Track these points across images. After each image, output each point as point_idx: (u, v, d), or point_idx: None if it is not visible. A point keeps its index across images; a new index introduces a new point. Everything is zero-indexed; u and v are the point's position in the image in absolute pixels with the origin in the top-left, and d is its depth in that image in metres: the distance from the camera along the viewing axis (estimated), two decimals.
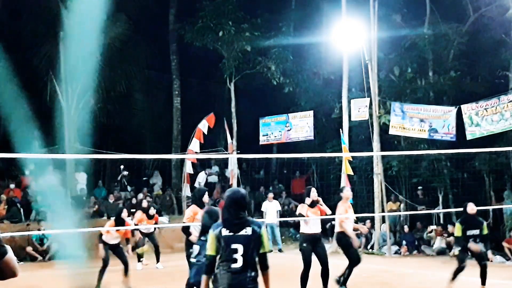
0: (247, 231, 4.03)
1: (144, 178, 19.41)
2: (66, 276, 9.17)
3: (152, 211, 12.31)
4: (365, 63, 15.19)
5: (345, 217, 8.70)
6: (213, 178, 19.68)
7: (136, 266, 12.04)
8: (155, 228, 12.66)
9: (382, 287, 9.87)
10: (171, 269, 11.75)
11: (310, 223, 8.29)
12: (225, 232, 4.02)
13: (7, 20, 17.15)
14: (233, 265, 3.96)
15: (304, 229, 8.35)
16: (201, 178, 18.41)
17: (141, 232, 12.17)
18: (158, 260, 12.32)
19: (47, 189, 16.48)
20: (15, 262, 2.70)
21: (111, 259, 9.60)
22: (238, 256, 3.97)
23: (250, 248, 4.00)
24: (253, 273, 4.00)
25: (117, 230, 9.50)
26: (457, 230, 8.45)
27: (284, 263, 12.39)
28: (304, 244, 8.33)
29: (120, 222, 9.45)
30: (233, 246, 3.97)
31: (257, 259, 4.08)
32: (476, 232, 8.33)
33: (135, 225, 11.98)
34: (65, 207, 16.00)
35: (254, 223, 4.11)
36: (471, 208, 8.42)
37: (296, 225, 17.53)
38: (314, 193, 8.38)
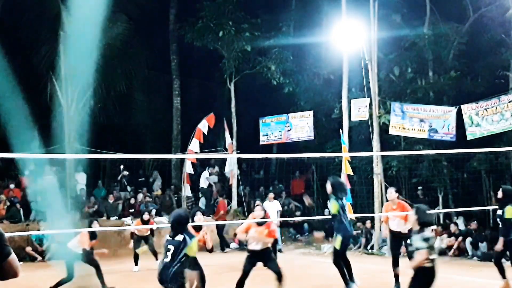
0: (180, 238, 5.59)
1: (140, 179, 19.37)
2: (63, 276, 9.16)
3: (146, 216, 12.32)
4: (365, 63, 15.18)
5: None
6: (213, 178, 19.65)
7: (133, 268, 11.99)
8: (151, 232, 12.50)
9: (382, 287, 9.86)
10: None
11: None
12: (167, 237, 5.75)
13: (7, 20, 17.15)
14: (165, 259, 5.56)
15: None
16: (206, 175, 18.44)
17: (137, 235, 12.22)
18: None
19: (46, 189, 16.50)
20: (17, 262, 2.71)
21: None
22: (169, 254, 5.54)
23: (178, 249, 5.52)
24: (176, 267, 5.45)
25: None
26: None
27: (284, 262, 12.37)
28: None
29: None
30: (169, 246, 5.59)
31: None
32: (499, 212, 8.89)
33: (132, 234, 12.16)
34: (64, 207, 16.02)
35: (188, 234, 5.67)
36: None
37: (296, 226, 17.62)
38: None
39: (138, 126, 20.36)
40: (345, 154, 14.39)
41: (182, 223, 5.77)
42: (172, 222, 5.78)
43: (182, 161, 18.28)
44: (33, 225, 14.26)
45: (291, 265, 11.04)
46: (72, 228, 14.23)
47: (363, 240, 15.29)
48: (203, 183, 17.92)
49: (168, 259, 5.53)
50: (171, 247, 5.55)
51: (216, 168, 19.80)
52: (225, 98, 19.78)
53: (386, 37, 16.25)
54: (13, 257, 2.67)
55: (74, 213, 16.11)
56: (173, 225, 5.76)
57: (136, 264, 12.07)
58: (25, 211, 15.28)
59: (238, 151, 17.54)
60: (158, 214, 16.69)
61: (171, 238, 5.65)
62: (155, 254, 12.19)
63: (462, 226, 14.36)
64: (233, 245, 16.32)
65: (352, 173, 14.83)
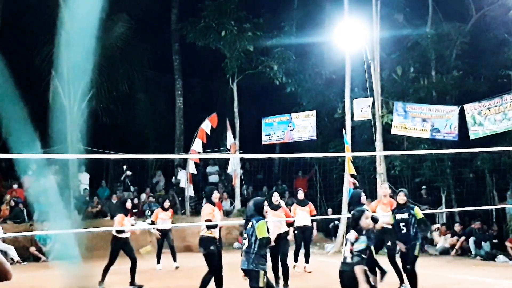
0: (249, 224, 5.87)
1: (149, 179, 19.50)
2: (63, 276, 9.18)
3: (167, 203, 12.07)
4: (367, 62, 15.17)
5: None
6: (214, 178, 19.65)
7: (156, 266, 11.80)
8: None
9: (384, 286, 9.86)
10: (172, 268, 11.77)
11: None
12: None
13: (9, 20, 17.17)
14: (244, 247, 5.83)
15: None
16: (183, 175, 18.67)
17: (158, 230, 11.89)
18: (174, 259, 11.93)
19: (49, 190, 16.51)
20: (7, 265, 2.65)
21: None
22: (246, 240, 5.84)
23: (251, 235, 5.79)
24: (254, 253, 5.68)
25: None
26: None
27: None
28: None
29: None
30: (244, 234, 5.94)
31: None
32: None
33: (153, 222, 11.71)
34: (67, 207, 16.04)
35: (255, 218, 5.85)
36: None
37: None
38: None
39: (140, 126, 20.37)
40: (348, 154, 14.37)
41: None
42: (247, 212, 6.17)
43: (185, 161, 18.29)
44: (37, 225, 14.28)
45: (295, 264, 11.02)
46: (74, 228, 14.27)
47: None
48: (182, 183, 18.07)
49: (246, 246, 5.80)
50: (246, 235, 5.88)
51: (216, 168, 19.76)
52: (227, 98, 19.80)
53: (388, 37, 16.25)
54: (1, 259, 2.63)
55: (77, 213, 16.16)
56: (246, 215, 6.15)
57: (158, 262, 11.86)
58: (29, 211, 15.32)
59: (241, 151, 17.55)
60: None
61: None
62: (173, 252, 11.88)
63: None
64: (236, 244, 16.34)
65: (355, 173, 14.82)
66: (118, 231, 9.39)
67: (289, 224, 9.30)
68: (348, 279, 5.31)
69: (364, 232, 5.46)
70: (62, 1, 16.95)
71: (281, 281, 8.76)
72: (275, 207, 9.03)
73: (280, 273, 8.81)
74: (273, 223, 8.56)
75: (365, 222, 5.51)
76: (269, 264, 6.58)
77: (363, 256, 5.34)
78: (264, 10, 19.38)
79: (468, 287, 9.54)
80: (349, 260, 5.35)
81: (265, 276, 5.72)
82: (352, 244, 5.40)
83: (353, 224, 5.53)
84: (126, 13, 18.15)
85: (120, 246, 9.50)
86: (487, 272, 10.79)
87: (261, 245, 5.70)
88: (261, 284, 5.64)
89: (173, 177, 19.24)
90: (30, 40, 17.37)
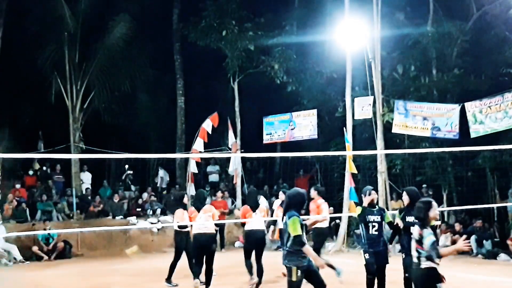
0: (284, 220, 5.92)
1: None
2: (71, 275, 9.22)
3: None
4: (368, 61, 15.18)
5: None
6: (214, 177, 19.67)
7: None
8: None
9: (386, 285, 9.87)
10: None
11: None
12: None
13: (12, 21, 17.23)
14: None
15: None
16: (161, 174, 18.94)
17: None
18: None
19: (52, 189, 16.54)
20: None
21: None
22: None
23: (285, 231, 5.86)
24: (286, 250, 5.81)
25: None
26: None
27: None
28: None
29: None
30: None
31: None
32: None
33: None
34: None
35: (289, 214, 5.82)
36: None
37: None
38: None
39: (142, 125, 20.42)
40: (349, 153, 14.40)
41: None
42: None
43: (186, 160, 18.33)
44: (39, 224, 14.34)
45: None
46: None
47: None
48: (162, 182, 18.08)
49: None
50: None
51: (217, 167, 19.77)
52: (228, 97, 19.83)
53: (389, 36, 16.23)
54: None
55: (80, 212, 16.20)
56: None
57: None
58: (31, 211, 15.37)
59: (243, 150, 17.56)
60: (163, 213, 16.79)
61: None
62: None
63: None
64: (238, 243, 16.37)
65: (356, 172, 14.86)
66: (180, 226, 9.17)
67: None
68: (421, 281, 5.15)
69: (428, 225, 5.13)
70: (65, 2, 17.04)
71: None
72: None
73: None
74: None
75: (434, 212, 5.17)
76: None
77: (437, 247, 5.02)
78: (265, 10, 19.38)
79: (469, 286, 9.55)
80: (420, 261, 5.09)
81: (298, 271, 5.77)
82: (418, 241, 5.09)
83: (421, 216, 5.16)
84: (128, 13, 18.21)
85: (185, 239, 9.33)
86: (489, 271, 10.82)
87: (295, 243, 5.72)
88: (293, 279, 5.74)
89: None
90: (34, 40, 17.43)
